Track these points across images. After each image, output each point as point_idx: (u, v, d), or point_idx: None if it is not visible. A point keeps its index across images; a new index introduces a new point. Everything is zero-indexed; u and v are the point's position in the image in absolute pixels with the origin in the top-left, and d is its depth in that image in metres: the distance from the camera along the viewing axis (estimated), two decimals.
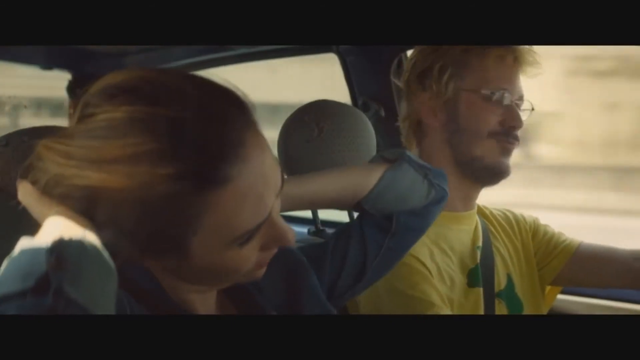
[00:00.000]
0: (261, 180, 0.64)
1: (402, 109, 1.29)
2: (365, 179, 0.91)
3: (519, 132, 1.19)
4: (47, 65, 2.02)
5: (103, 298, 0.57)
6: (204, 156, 0.61)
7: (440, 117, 1.21)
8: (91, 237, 0.58)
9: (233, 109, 0.64)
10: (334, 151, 1.26)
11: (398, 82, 1.35)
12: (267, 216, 0.66)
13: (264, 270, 0.73)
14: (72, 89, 2.07)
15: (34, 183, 0.65)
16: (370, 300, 1.10)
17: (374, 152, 1.27)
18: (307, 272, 0.88)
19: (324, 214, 1.49)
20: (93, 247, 0.57)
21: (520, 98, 1.20)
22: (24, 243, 0.56)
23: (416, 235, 0.96)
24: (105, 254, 0.58)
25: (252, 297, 0.81)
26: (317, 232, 1.43)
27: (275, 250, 0.72)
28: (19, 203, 0.66)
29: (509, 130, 1.17)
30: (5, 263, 0.55)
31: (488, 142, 1.17)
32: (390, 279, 1.03)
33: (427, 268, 1.11)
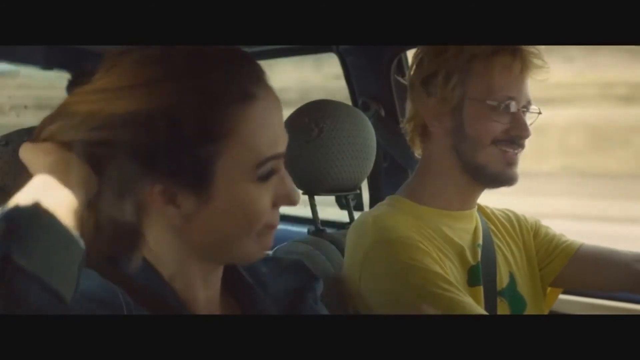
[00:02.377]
0: (278, 116, 0.70)
1: (407, 110, 1.27)
2: None
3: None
4: (47, 65, 2.02)
5: (62, 268, 0.56)
6: (232, 74, 0.68)
7: (445, 124, 1.19)
8: (48, 206, 0.58)
9: (250, 59, 0.71)
10: (334, 151, 1.26)
11: (403, 81, 1.33)
12: (282, 152, 0.70)
13: (269, 246, 0.74)
14: (72, 89, 2.06)
15: (48, 139, 0.67)
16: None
17: (374, 152, 1.27)
18: (317, 286, 0.88)
19: (324, 214, 1.48)
20: (49, 217, 0.57)
21: (528, 103, 1.18)
22: None
23: None
24: (66, 224, 0.58)
25: (256, 294, 0.81)
26: (317, 232, 1.43)
27: (278, 211, 0.73)
28: None
29: (514, 139, 1.16)
30: None
31: (491, 150, 1.16)
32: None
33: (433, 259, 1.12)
